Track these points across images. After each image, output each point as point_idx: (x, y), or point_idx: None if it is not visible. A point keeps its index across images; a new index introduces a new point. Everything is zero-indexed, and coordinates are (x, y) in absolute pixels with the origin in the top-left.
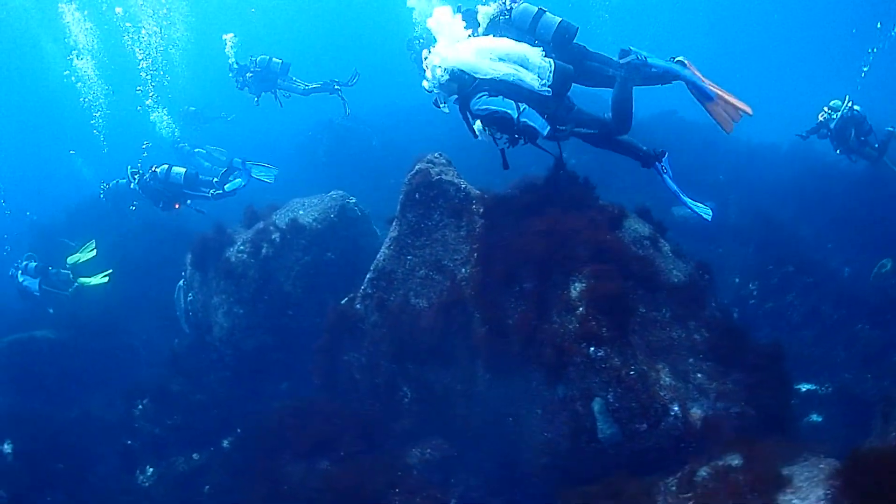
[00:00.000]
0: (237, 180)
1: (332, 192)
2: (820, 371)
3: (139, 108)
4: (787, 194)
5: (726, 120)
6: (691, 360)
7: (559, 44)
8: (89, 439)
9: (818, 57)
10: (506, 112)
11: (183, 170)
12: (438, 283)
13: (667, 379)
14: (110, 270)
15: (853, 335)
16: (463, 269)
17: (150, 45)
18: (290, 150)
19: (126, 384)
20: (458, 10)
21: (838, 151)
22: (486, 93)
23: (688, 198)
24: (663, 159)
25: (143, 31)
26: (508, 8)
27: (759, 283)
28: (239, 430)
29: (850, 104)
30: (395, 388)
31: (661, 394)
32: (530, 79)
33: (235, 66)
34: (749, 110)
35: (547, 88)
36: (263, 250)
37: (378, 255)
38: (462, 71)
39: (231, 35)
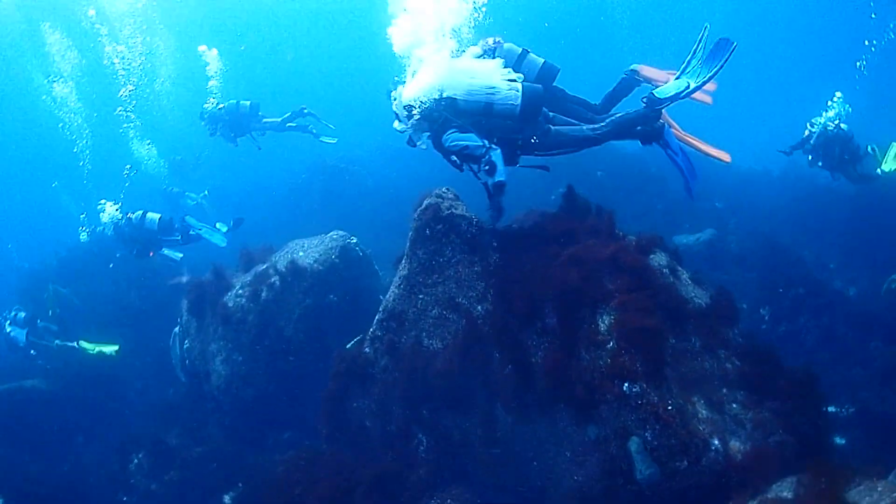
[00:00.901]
0: (218, 235)
1: (333, 233)
2: (839, 392)
3: (121, 129)
4: (784, 218)
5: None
6: (724, 390)
7: (542, 83)
8: (83, 495)
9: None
10: (475, 146)
11: (157, 216)
12: (453, 322)
13: (703, 412)
14: (118, 346)
15: (869, 354)
16: (479, 307)
17: (131, 67)
18: (284, 192)
19: (120, 436)
20: None
21: (819, 165)
22: (456, 129)
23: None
24: (664, 132)
25: (121, 50)
26: (493, 48)
27: (770, 308)
28: (241, 485)
29: (836, 122)
30: (409, 435)
31: (700, 428)
32: (501, 99)
33: (204, 116)
34: (727, 158)
35: (517, 111)
36: (263, 294)
37: (387, 296)
38: (432, 100)
39: (205, 48)
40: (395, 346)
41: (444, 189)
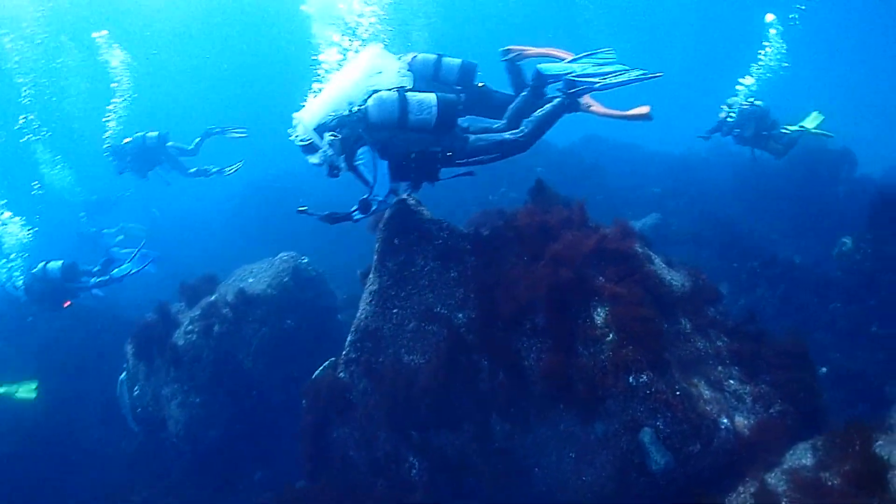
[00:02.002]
0: (126, 265)
1: (282, 254)
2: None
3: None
4: (721, 196)
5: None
6: (720, 368)
7: (464, 84)
8: None
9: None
10: (370, 185)
11: (59, 263)
12: (433, 333)
13: (707, 392)
14: (36, 384)
15: (830, 315)
16: (460, 315)
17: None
18: (219, 218)
19: (78, 499)
20: None
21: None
22: (368, 148)
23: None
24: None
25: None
26: (409, 62)
27: (728, 283)
28: None
29: (751, 99)
30: (399, 460)
31: (708, 409)
32: (415, 111)
33: (109, 151)
34: (646, 110)
35: (432, 123)
36: (215, 328)
37: (358, 314)
38: (343, 116)
39: (104, 34)
40: (373, 367)
41: (405, 196)
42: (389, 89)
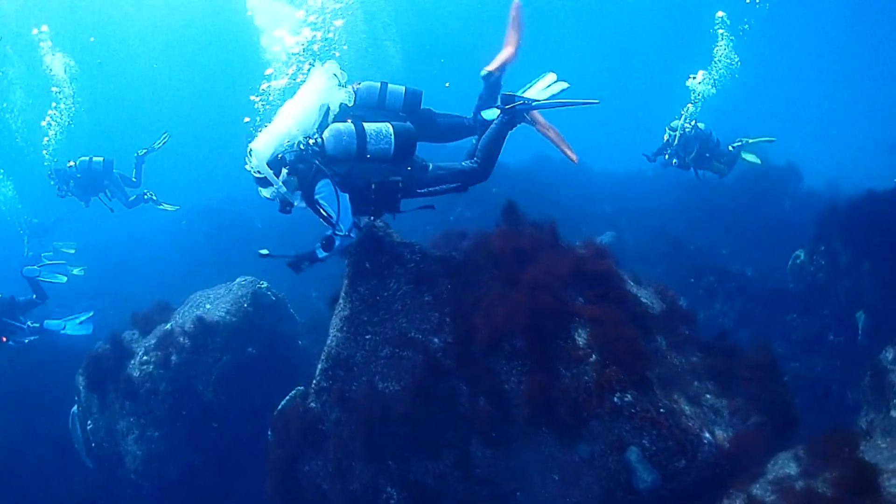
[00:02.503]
0: (57, 321)
1: (239, 279)
2: None
3: None
4: (669, 213)
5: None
6: (696, 383)
7: (410, 111)
8: None
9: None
10: (333, 222)
11: None
12: (408, 359)
13: (687, 408)
14: None
15: (787, 326)
16: (435, 339)
17: None
18: (166, 243)
19: None
20: None
21: (675, 163)
22: (328, 181)
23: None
24: (518, 111)
25: None
26: (354, 91)
27: (686, 298)
28: None
29: (692, 122)
30: (377, 491)
31: (691, 424)
32: (373, 142)
33: (52, 173)
34: (575, 159)
35: (391, 153)
36: (173, 358)
37: (329, 341)
38: (297, 150)
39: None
40: (346, 396)
41: (371, 219)
42: (345, 120)
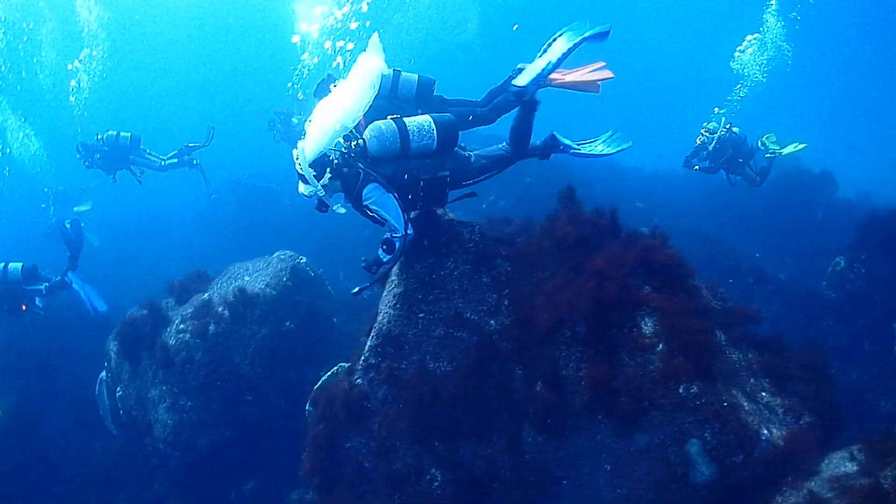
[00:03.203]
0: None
1: (278, 253)
2: None
3: None
4: (701, 212)
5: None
6: (752, 380)
7: (422, 99)
8: None
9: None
10: (393, 225)
11: (20, 264)
12: (462, 340)
13: (746, 404)
14: None
15: (822, 332)
16: (492, 321)
17: None
18: (194, 216)
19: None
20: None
21: (696, 168)
22: (376, 185)
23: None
24: (558, 140)
25: None
26: None
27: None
28: None
29: (728, 126)
30: (420, 472)
31: (750, 420)
32: (415, 139)
33: (79, 146)
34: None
35: (433, 147)
36: (211, 328)
37: (379, 318)
38: (339, 153)
39: None
40: (395, 374)
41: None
42: (385, 118)
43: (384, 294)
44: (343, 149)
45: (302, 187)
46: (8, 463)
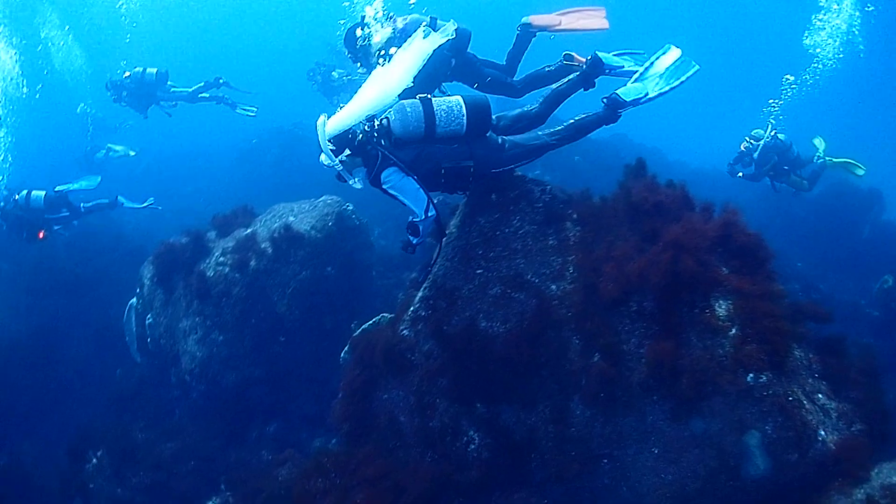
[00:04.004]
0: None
1: (325, 197)
2: None
3: None
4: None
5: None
6: (811, 380)
7: (458, 49)
8: (27, 500)
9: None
10: (411, 209)
11: (42, 192)
12: (520, 302)
13: (806, 403)
14: None
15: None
16: (553, 286)
17: None
18: (232, 158)
19: (65, 427)
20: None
21: (740, 175)
22: (395, 169)
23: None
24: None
25: None
26: (401, 27)
27: None
28: (226, 490)
29: (773, 132)
30: (457, 432)
31: (809, 419)
32: (442, 122)
33: (108, 84)
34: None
35: (463, 131)
36: (252, 263)
37: (434, 269)
38: (363, 132)
39: None
40: (443, 329)
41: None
42: (413, 97)
43: (443, 245)
44: (367, 127)
45: (323, 157)
46: (26, 379)
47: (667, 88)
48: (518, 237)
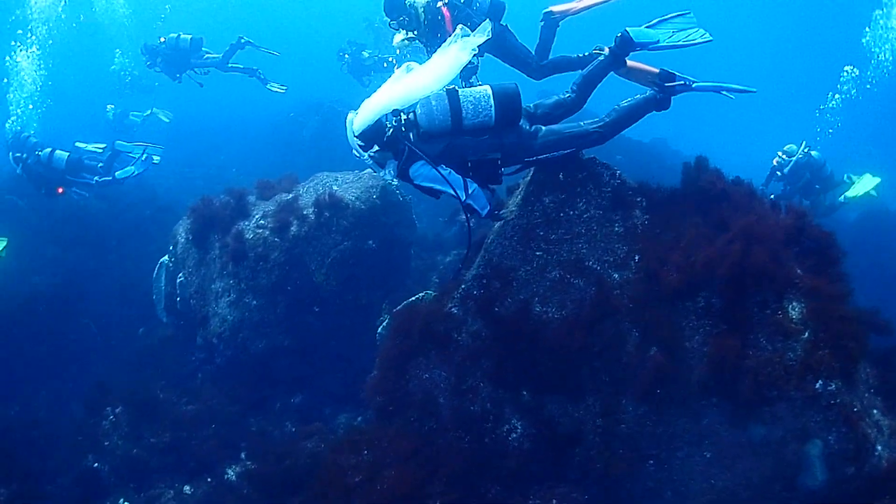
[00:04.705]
0: (129, 168)
1: (369, 170)
2: None
3: None
4: None
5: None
6: (867, 394)
7: (493, 17)
8: (37, 451)
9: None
10: (450, 193)
11: (66, 154)
12: (578, 289)
13: (865, 416)
14: (5, 241)
15: None
16: (616, 275)
17: None
18: (267, 130)
19: (83, 381)
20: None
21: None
22: (423, 162)
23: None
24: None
25: None
26: None
27: None
28: (247, 460)
29: (806, 149)
30: (499, 419)
31: (868, 432)
32: (471, 114)
33: (143, 48)
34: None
35: (491, 123)
36: (293, 228)
37: (490, 247)
38: (390, 125)
39: None
40: (494, 309)
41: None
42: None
43: (500, 223)
44: (393, 122)
45: (355, 152)
46: (47, 330)
47: (680, 44)
48: (582, 221)
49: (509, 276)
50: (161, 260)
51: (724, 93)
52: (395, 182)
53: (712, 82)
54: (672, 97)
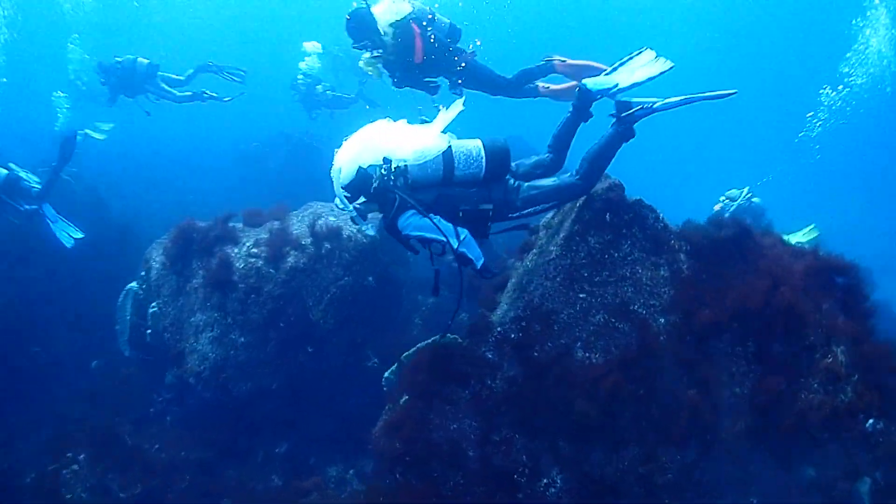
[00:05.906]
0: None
1: None
2: None
3: None
4: None
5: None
6: None
7: (454, 40)
8: None
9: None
10: (442, 240)
11: (5, 171)
12: (624, 334)
13: None
14: None
15: None
16: (661, 319)
17: None
18: (232, 159)
19: (35, 413)
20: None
21: None
22: (413, 211)
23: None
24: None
25: None
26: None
27: None
28: None
29: (748, 195)
30: (536, 472)
31: None
32: (462, 165)
33: (98, 66)
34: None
35: (481, 175)
36: (290, 259)
37: (531, 288)
38: (379, 175)
39: None
40: (535, 355)
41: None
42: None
43: (540, 263)
44: (383, 171)
45: (338, 201)
46: None
47: (641, 80)
48: (627, 263)
49: (550, 318)
50: (128, 286)
51: (704, 101)
52: (374, 234)
53: (682, 96)
54: (634, 125)
